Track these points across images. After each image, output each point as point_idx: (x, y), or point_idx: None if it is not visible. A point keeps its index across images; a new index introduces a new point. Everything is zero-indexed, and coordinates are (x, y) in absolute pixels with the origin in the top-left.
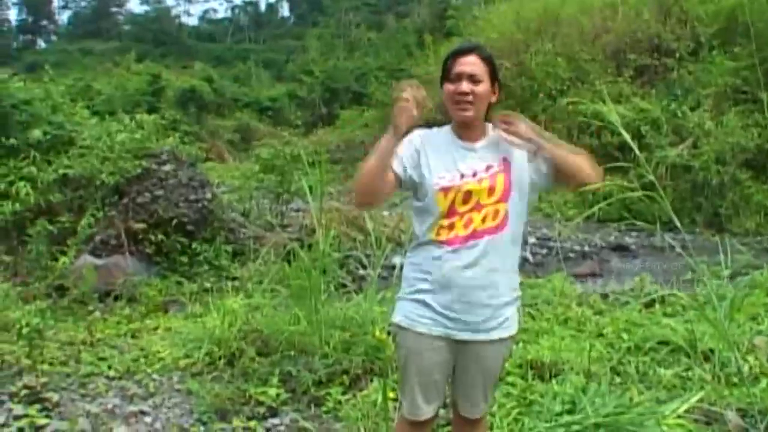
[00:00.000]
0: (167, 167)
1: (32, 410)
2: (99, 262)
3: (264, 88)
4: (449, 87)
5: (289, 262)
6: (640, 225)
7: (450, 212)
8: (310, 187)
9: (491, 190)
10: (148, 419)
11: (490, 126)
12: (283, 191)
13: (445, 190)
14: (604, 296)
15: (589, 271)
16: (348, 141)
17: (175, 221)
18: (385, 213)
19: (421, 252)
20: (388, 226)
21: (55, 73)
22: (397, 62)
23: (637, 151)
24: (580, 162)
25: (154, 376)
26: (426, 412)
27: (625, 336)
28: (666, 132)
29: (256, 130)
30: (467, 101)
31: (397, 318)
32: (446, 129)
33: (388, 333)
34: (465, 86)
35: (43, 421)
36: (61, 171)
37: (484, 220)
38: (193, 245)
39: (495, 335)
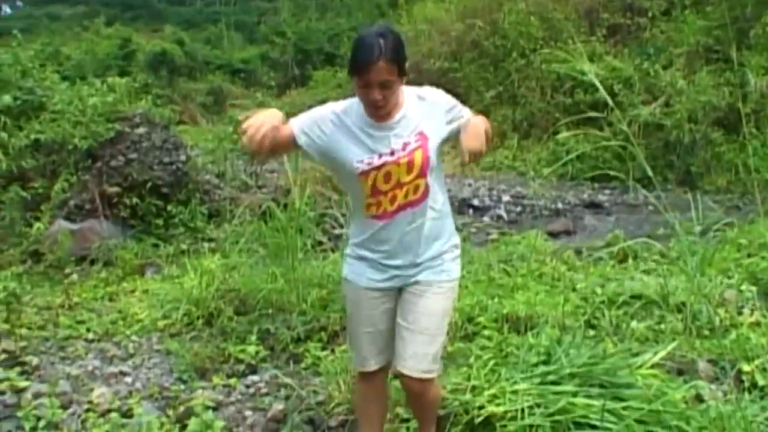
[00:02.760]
0: (140, 130)
1: (12, 373)
2: (74, 226)
3: (236, 50)
4: (359, 90)
5: (265, 221)
6: (613, 183)
7: (374, 192)
8: None
9: (410, 167)
10: (128, 379)
11: (403, 93)
12: None
13: (365, 173)
14: (578, 252)
15: (563, 228)
16: (321, 102)
17: (149, 184)
18: None
19: (357, 219)
20: None
21: (23, 39)
22: (369, 22)
23: (614, 106)
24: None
25: (133, 337)
26: (373, 362)
27: (598, 290)
28: (638, 91)
29: (229, 93)
30: (380, 106)
31: (343, 272)
32: (360, 106)
33: None
34: (377, 95)
35: (23, 384)
36: (32, 136)
37: (406, 195)
38: (169, 208)
39: (428, 277)
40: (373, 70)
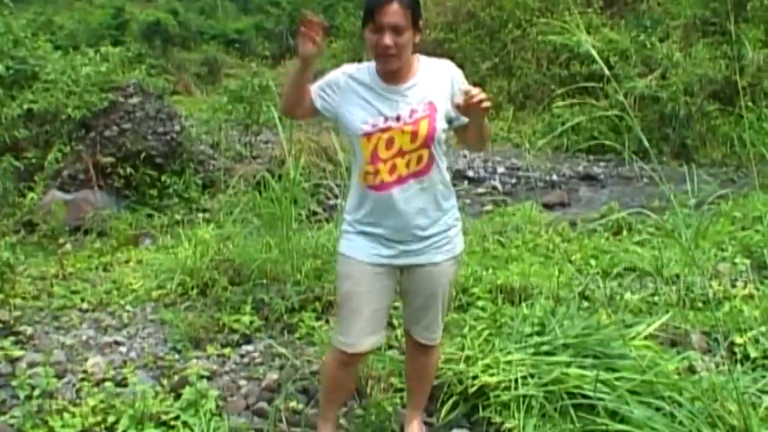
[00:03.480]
0: (134, 100)
1: (6, 343)
2: (68, 197)
3: (230, 20)
4: (371, 37)
5: (259, 192)
6: (608, 156)
7: (373, 158)
8: (280, 118)
9: (414, 137)
10: (122, 349)
11: (418, 61)
12: (252, 122)
13: (368, 135)
14: (573, 224)
15: (557, 200)
16: (317, 72)
17: (143, 154)
18: None
19: (357, 189)
20: None
21: (15, 8)
22: None
23: (610, 78)
24: (486, 135)
25: (128, 307)
26: (362, 344)
27: (592, 262)
28: (634, 63)
29: (223, 63)
30: (390, 54)
31: (341, 248)
32: (371, 69)
33: None
34: (388, 39)
35: (18, 353)
36: (25, 106)
37: (408, 165)
38: (163, 178)
39: (436, 258)
40: (387, 12)
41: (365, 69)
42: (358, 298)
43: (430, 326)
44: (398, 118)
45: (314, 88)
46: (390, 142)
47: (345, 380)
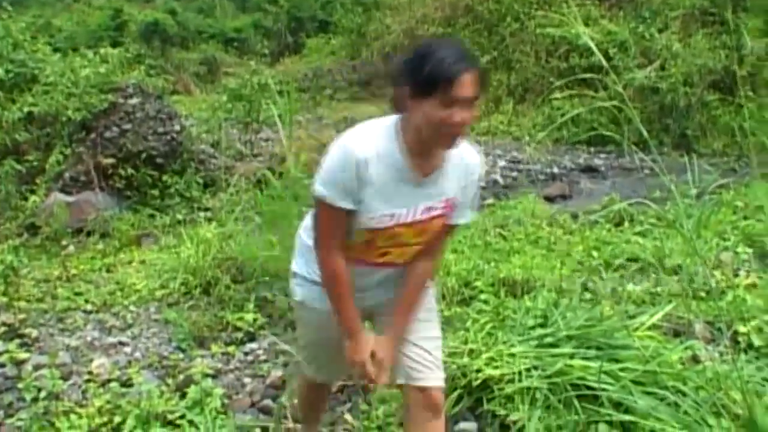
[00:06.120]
0: (134, 101)
1: (12, 346)
2: (70, 199)
3: (228, 19)
4: (437, 113)
5: (260, 189)
6: (609, 147)
7: (368, 244)
8: (279, 116)
9: (422, 232)
10: (127, 349)
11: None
12: (252, 121)
13: (371, 230)
14: (574, 216)
15: (559, 193)
16: (315, 69)
17: (144, 155)
18: None
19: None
20: None
21: (14, 11)
22: None
23: (609, 70)
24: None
25: (131, 307)
26: (335, 378)
27: (594, 254)
28: (634, 54)
29: (222, 62)
30: (463, 132)
31: (298, 297)
32: (400, 139)
33: None
34: (463, 116)
35: (23, 356)
36: (25, 109)
37: (401, 255)
38: (164, 178)
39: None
40: (465, 83)
41: (393, 140)
42: (327, 343)
43: (437, 361)
44: (410, 214)
45: (338, 199)
46: (392, 236)
47: (320, 397)
